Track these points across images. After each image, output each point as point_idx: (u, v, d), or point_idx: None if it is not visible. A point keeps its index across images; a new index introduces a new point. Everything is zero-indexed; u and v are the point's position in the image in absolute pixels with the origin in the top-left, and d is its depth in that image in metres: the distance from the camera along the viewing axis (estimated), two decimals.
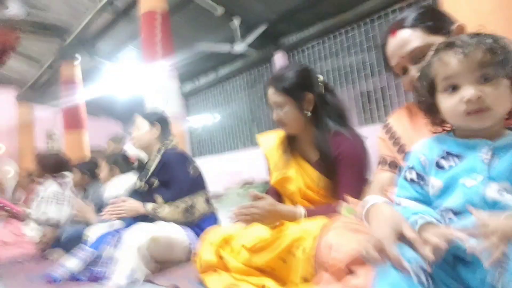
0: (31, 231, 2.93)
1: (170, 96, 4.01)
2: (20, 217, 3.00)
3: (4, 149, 7.44)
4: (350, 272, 0.86)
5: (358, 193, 1.20)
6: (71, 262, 1.86)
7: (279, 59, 6.51)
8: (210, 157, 7.76)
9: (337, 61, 6.02)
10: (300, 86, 1.41)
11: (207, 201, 2.08)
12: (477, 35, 0.75)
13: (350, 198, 1.19)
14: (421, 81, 0.82)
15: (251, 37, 5.75)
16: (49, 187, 3.05)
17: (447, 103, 0.76)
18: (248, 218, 1.28)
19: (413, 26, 1.02)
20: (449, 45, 0.76)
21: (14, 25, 5.44)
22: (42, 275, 1.92)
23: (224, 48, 6.02)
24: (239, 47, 5.90)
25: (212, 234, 1.53)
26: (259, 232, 1.35)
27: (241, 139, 7.52)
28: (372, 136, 1.29)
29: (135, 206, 1.98)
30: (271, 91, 1.44)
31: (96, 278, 1.79)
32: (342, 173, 1.36)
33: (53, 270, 1.86)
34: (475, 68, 0.72)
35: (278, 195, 1.51)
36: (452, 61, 0.74)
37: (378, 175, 1.11)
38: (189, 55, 6.22)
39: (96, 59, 6.87)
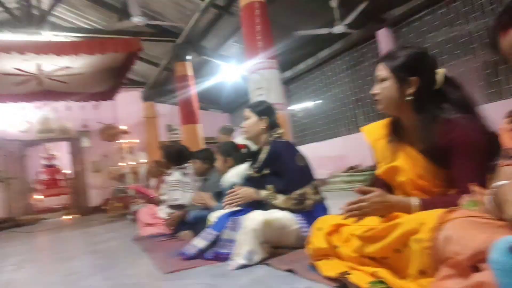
0: (164, 214, 3.44)
1: (271, 86, 4.14)
2: (155, 202, 3.53)
3: (136, 141, 8.73)
4: (474, 267, 0.82)
5: (478, 183, 1.10)
6: (199, 242, 2.15)
7: (384, 37, 6.10)
8: (313, 145, 7.78)
9: (453, 30, 5.35)
10: (407, 67, 1.35)
11: (316, 190, 2.14)
12: None
13: (475, 187, 1.09)
14: None
15: (351, 17, 5.51)
16: (174, 176, 3.50)
17: None
18: (358, 213, 1.29)
19: None
20: None
21: (137, 33, 6.27)
22: (177, 252, 2.26)
23: (323, 31, 5.91)
24: (339, 28, 5.71)
25: (323, 222, 1.59)
26: (370, 220, 1.35)
27: (345, 124, 7.33)
28: (501, 114, 1.15)
29: (250, 192, 2.16)
30: (379, 66, 1.43)
31: (219, 257, 2.02)
32: (457, 162, 1.26)
33: (186, 248, 2.18)
34: None
35: (386, 186, 1.48)
36: None
37: (501, 170, 1.01)
38: (288, 43, 6.30)
39: (203, 57, 7.48)
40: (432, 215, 1.08)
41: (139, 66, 7.81)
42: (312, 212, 2.07)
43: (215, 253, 2.06)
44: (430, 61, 1.38)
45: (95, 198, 9.23)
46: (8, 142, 8.63)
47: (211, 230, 2.18)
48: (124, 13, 6.56)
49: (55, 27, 6.52)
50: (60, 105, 7.67)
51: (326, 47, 7.18)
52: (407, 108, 1.38)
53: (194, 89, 7.04)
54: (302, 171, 2.13)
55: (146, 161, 8.69)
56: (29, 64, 5.72)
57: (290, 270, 1.63)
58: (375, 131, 1.58)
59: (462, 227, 0.91)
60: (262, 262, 1.82)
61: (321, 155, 7.03)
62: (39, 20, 6.23)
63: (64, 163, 10.72)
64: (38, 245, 4.34)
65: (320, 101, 7.95)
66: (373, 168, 1.62)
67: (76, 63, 5.96)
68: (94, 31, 6.93)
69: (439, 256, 0.93)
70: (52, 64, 5.87)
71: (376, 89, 1.42)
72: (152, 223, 3.50)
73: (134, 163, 8.21)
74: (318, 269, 1.49)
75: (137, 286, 1.77)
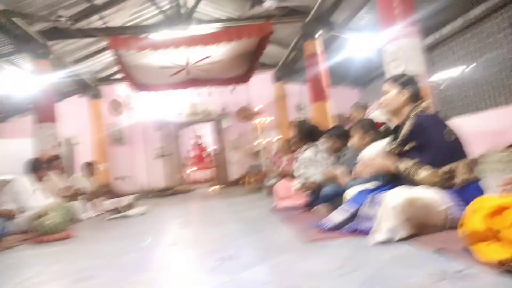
0: (297, 188, 3.58)
1: (411, 56, 3.78)
2: (290, 175, 3.72)
3: (269, 121, 9.23)
4: None
5: None
6: (337, 217, 2.19)
7: None
8: (462, 118, 6.81)
9: None
10: None
11: (469, 167, 1.91)
12: None
13: None
14: None
15: None
16: (307, 153, 3.58)
17: None
18: None
19: None
20: None
21: (267, 17, 6.53)
22: (314, 224, 2.36)
23: None
24: None
25: (481, 203, 1.42)
26: None
27: (504, 93, 6.17)
28: None
29: (386, 163, 2.06)
30: None
31: (357, 232, 2.03)
32: None
33: (323, 221, 2.25)
34: None
35: None
36: None
37: None
38: (431, 5, 5.59)
39: (333, 32, 7.30)
40: None
41: (268, 49, 8.12)
42: (463, 191, 1.87)
43: (353, 228, 2.07)
44: None
45: (234, 172, 10.25)
46: (165, 125, 10.28)
47: (349, 205, 2.19)
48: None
49: (200, 21, 7.31)
50: (203, 91, 8.66)
51: (480, 2, 6.09)
52: None
53: (323, 67, 6.98)
54: (451, 147, 1.92)
55: (277, 138, 9.14)
56: (180, 57, 6.62)
57: (439, 251, 1.52)
58: None
59: None
60: (404, 240, 1.75)
61: (471, 131, 6.08)
62: (187, 17, 7.09)
63: (208, 142, 12.19)
64: (194, 211, 5.11)
65: (471, 68, 6.85)
66: None
67: (215, 52, 6.61)
68: (231, 20, 7.50)
69: None
70: (197, 56, 6.65)
71: None
72: (287, 196, 3.71)
73: (267, 140, 8.73)
74: (475, 253, 1.36)
75: (282, 250, 1.94)
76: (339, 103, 7.86)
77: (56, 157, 5.43)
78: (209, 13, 8.20)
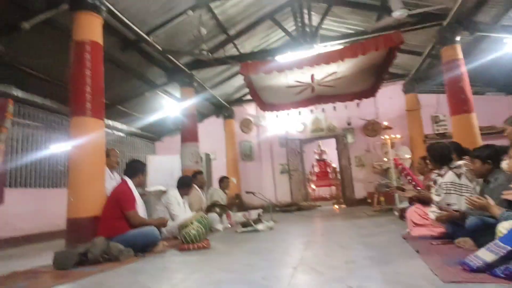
0: (434, 216, 3.18)
1: None
2: (424, 201, 3.35)
3: (400, 136, 8.56)
4: None
5: None
6: (486, 255, 1.87)
7: None
8: None
9: None
10: None
11: None
12: None
13: None
14: None
15: None
16: (447, 177, 3.13)
17: None
18: None
19: None
20: None
21: (397, 26, 6.13)
22: (457, 260, 2.06)
23: None
24: None
25: None
26: None
27: None
28: None
29: None
30: None
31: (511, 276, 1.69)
32: None
33: (469, 258, 1.95)
34: None
35: None
36: None
37: None
38: None
39: (477, 34, 6.38)
40: None
41: (398, 58, 7.59)
42: None
43: (509, 271, 1.74)
44: None
45: (359, 190, 9.80)
46: (290, 141, 10.60)
47: (503, 244, 1.85)
48: (383, 10, 6.57)
49: (324, 38, 7.38)
50: (328, 106, 8.62)
51: None
52: None
53: (465, 74, 6.14)
54: None
55: (409, 156, 8.38)
56: (305, 75, 6.79)
57: None
58: None
59: None
60: None
61: None
62: (312, 35, 7.25)
63: (332, 158, 12.01)
64: (318, 229, 5.08)
65: None
66: None
67: (341, 68, 6.53)
68: (357, 34, 7.33)
69: None
70: (322, 72, 6.70)
71: None
72: (422, 223, 3.35)
73: (397, 158, 8.09)
74: None
75: (417, 286, 1.75)
76: (487, 114, 6.76)
77: (200, 172, 6.16)
78: (335, 28, 8.20)
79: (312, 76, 6.90)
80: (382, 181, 8.05)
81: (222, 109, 10.55)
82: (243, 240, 4.09)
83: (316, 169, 12.30)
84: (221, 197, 6.07)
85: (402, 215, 4.56)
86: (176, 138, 8.43)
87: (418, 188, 3.99)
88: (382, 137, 8.75)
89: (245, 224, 4.99)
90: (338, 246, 3.23)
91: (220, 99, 9.93)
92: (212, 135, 10.28)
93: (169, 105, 8.80)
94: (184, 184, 5.04)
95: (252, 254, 3.11)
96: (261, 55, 7.59)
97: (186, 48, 6.82)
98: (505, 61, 7.26)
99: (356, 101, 8.35)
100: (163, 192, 5.72)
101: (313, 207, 9.63)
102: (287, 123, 10.35)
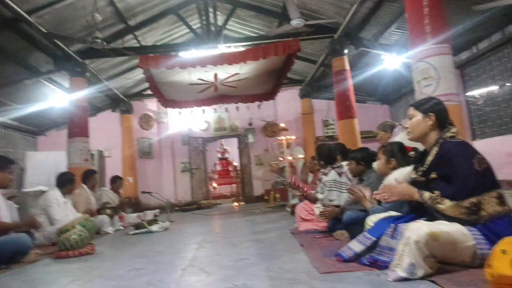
0: (318, 210, 3.48)
1: (442, 74, 3.62)
2: (311, 200, 3.63)
3: (295, 137, 9.16)
4: None
5: None
6: (356, 246, 2.09)
7: None
8: (499, 138, 6.42)
9: None
10: None
11: (500, 199, 1.77)
12: None
13: None
14: None
15: None
16: (330, 175, 3.47)
17: None
18: None
19: None
20: None
21: (295, 34, 6.53)
22: (333, 252, 2.27)
23: None
24: None
25: (510, 244, 1.30)
26: None
27: None
28: None
29: (410, 191, 1.96)
30: None
31: (376, 264, 1.92)
32: None
33: (342, 250, 2.16)
34: None
35: None
36: None
37: None
38: (465, 21, 5.40)
39: (361, 49, 7.19)
40: None
41: (296, 65, 8.12)
42: (493, 226, 1.73)
43: (372, 259, 1.97)
44: None
45: (258, 188, 10.21)
46: (193, 139, 10.45)
47: (369, 235, 2.09)
48: (284, 17, 6.93)
49: (228, 39, 7.44)
50: (231, 106, 8.75)
51: None
52: None
53: (351, 83, 6.86)
54: (479, 177, 1.78)
55: (302, 156, 9.02)
56: (208, 74, 6.76)
57: None
58: None
59: None
60: (426, 278, 1.64)
61: (509, 151, 5.76)
62: (216, 35, 7.24)
63: (234, 157, 12.25)
64: (214, 228, 5.10)
65: (509, 84, 6.49)
66: None
67: (243, 69, 6.69)
68: (259, 38, 7.57)
69: None
70: (225, 72, 6.76)
71: None
72: (309, 219, 3.61)
73: (292, 157, 8.64)
74: None
75: (294, 282, 1.86)
76: (367, 120, 7.68)
77: (93, 172, 5.59)
78: (238, 30, 8.34)
79: (216, 75, 6.90)
80: (278, 179, 8.51)
81: (119, 103, 9.81)
82: (134, 243, 3.86)
83: (218, 168, 12.39)
84: (111, 198, 5.62)
85: (293, 211, 4.86)
86: (64, 133, 7.55)
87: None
88: (279, 138, 9.24)
89: (138, 226, 4.72)
90: (230, 245, 3.27)
91: (118, 92, 9.23)
92: (106, 130, 9.48)
93: (56, 96, 7.83)
94: (66, 182, 4.41)
95: (140, 257, 2.94)
96: (164, 50, 7.29)
97: (79, 34, 6.15)
98: (383, 75, 8.36)
99: (257, 102, 8.66)
100: (43, 193, 5.05)
101: (213, 205, 9.67)
102: (190, 121, 10.18)
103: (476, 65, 7.25)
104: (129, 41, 7.27)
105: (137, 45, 7.44)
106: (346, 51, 6.88)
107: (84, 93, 6.78)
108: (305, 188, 4.01)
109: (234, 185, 11.61)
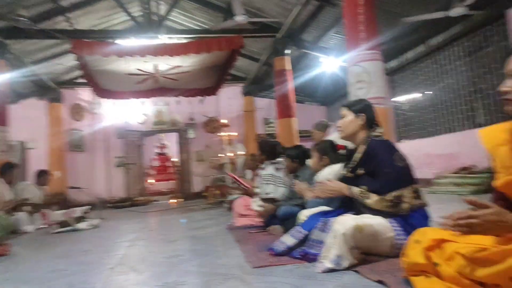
0: (256, 206, 3.53)
1: (373, 79, 3.88)
2: (250, 194, 3.66)
3: (236, 134, 9.18)
4: None
5: None
6: (288, 239, 2.15)
7: None
8: (420, 141, 7.08)
9: None
10: None
11: (417, 194, 1.94)
12: None
13: None
14: None
15: None
16: (267, 170, 3.56)
17: None
18: (466, 230, 1.11)
19: None
20: None
21: (239, 31, 6.53)
22: (266, 246, 2.31)
23: (437, 15, 5.29)
24: (457, 10, 5.04)
25: (422, 235, 1.42)
26: (480, 238, 1.19)
27: (459, 118, 6.49)
28: None
29: (340, 186, 2.09)
30: None
31: (307, 257, 1.99)
32: None
33: (275, 244, 2.21)
34: None
35: (505, 201, 1.24)
36: None
37: None
38: (395, 31, 5.84)
39: (302, 50, 7.42)
40: None
41: (240, 62, 8.14)
42: (409, 218, 1.90)
43: (303, 252, 2.04)
44: None
45: (198, 184, 10.05)
46: (129, 133, 9.97)
47: (301, 229, 2.16)
48: (229, 13, 6.89)
49: (170, 30, 7.19)
50: (171, 100, 8.50)
51: (440, 32, 6.42)
52: None
53: (291, 83, 7.05)
54: (400, 172, 1.95)
55: (243, 153, 9.08)
56: (148, 65, 6.48)
57: (380, 281, 1.52)
58: (495, 136, 1.32)
59: None
60: (351, 268, 1.74)
61: (428, 152, 6.37)
62: (157, 25, 6.96)
63: (173, 152, 11.93)
64: (149, 225, 4.91)
65: (430, 93, 7.17)
66: (490, 170, 1.38)
67: (186, 62, 6.53)
68: (203, 31, 7.44)
69: None
70: (166, 64, 6.54)
71: (508, 85, 1.18)
72: (246, 214, 3.64)
73: (233, 154, 8.65)
74: (413, 286, 1.35)
75: (226, 277, 1.86)
76: (305, 120, 7.95)
77: (12, 164, 5.06)
78: (181, 22, 8.11)
79: (157, 66, 6.65)
80: (218, 176, 8.46)
81: (47, 90, 8.95)
82: (56, 242, 3.56)
83: (156, 163, 11.97)
84: (34, 193, 5.14)
85: (230, 207, 4.86)
86: None
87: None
88: (220, 134, 9.19)
89: (64, 224, 4.37)
90: (165, 241, 3.17)
91: (46, 79, 8.45)
92: (31, 120, 8.61)
93: None
94: None
95: (63, 258, 2.72)
96: (101, 36, 6.84)
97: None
98: (322, 77, 8.73)
99: (199, 97, 8.52)
100: None
101: (150, 202, 9.32)
102: (127, 113, 9.69)
103: (403, 73, 7.90)
104: (61, 23, 6.69)
105: (70, 28, 6.87)
106: (288, 51, 7.04)
107: (4, 77, 6.10)
108: (246, 184, 4.04)
109: (171, 181, 11.29)
